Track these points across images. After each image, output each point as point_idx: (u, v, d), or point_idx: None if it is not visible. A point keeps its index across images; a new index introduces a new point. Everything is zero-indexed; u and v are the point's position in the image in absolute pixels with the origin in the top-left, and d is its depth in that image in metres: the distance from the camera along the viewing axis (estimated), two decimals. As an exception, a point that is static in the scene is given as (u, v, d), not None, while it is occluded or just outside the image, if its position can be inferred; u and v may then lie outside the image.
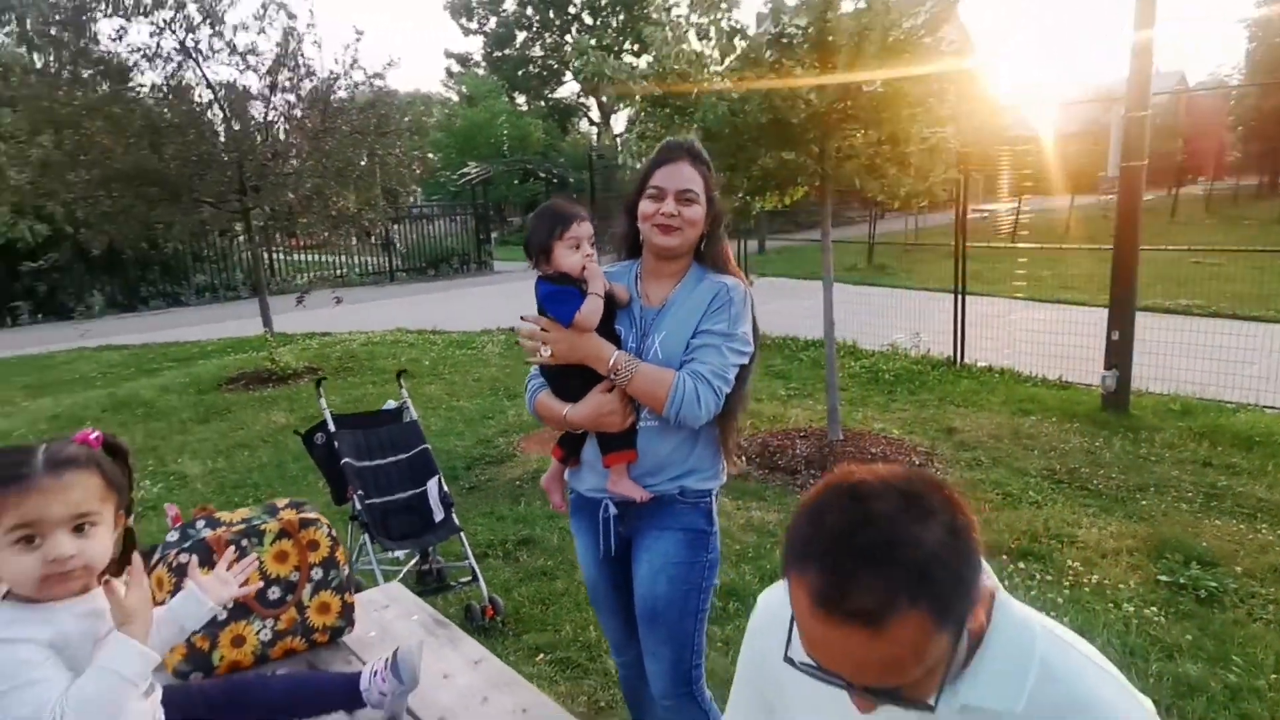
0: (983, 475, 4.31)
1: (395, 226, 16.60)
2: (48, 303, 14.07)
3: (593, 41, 4.68)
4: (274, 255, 15.91)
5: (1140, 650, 2.58)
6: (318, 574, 1.47)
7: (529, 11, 33.42)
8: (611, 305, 1.74)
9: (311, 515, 1.49)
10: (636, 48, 27.12)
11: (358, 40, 7.84)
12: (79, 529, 1.04)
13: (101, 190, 7.03)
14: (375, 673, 1.25)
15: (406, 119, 8.38)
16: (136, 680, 1.01)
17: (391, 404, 3.48)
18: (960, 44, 4.20)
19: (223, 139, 7.47)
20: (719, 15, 4.08)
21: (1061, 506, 3.83)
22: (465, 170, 19.74)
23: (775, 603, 1.01)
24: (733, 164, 4.15)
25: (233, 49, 7.38)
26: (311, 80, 7.62)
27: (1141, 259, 4.74)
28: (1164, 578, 3.03)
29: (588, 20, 33.51)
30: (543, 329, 1.68)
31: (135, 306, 14.66)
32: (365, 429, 3.27)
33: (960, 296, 6.79)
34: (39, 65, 14.53)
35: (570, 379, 1.70)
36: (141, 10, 6.96)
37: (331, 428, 3.16)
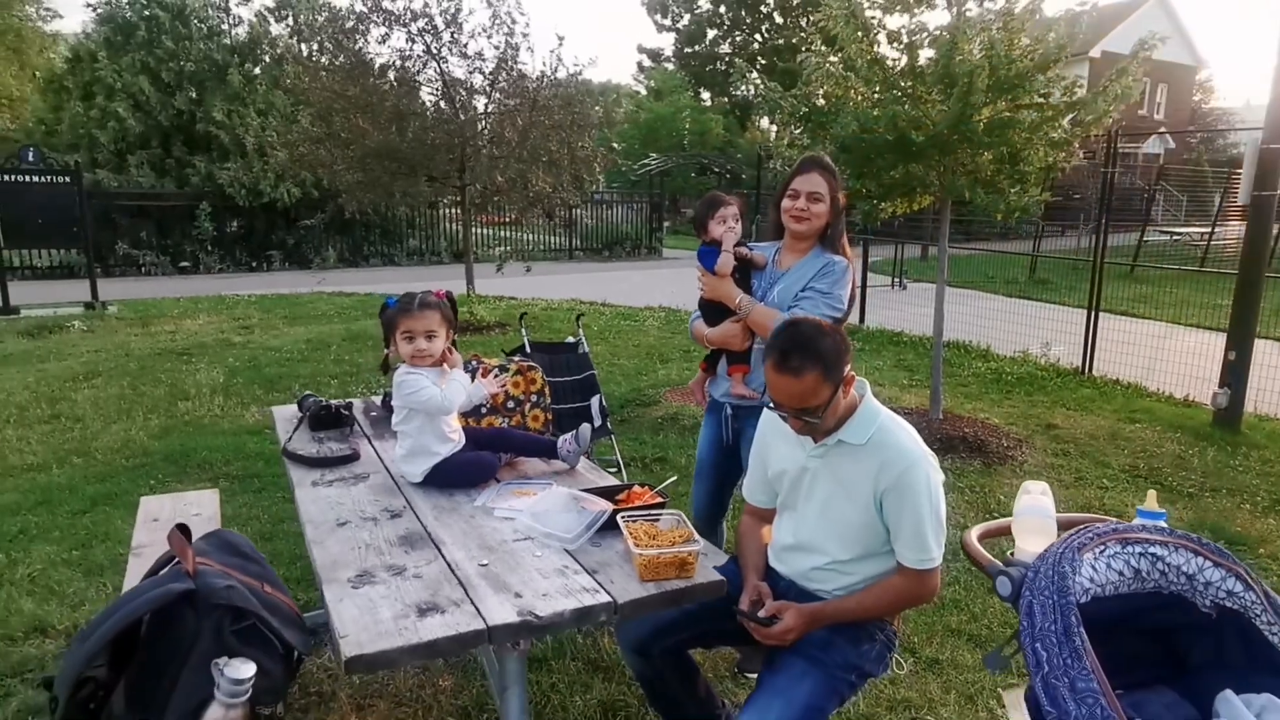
0: (1065, 463, 4.85)
1: (577, 210, 18.30)
2: (293, 253, 16.87)
3: (748, 66, 5.57)
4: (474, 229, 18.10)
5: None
6: (534, 398, 2.57)
7: (721, 10, 34.49)
8: (749, 266, 2.54)
9: (532, 364, 2.59)
10: (824, 46, 27.47)
11: (560, 45, 9.24)
12: (429, 336, 2.17)
13: (358, 164, 8.82)
14: (565, 439, 2.31)
15: (597, 108, 9.59)
16: (466, 385, 2.19)
17: (571, 339, 4.62)
18: (1148, 45, 4.49)
19: (450, 127, 9.05)
20: (865, 47, 4.87)
21: (1125, 492, 4.34)
22: (646, 161, 21.14)
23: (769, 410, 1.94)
24: (863, 172, 4.93)
25: (464, 54, 8.96)
26: (524, 81, 9.07)
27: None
28: (1181, 542, 3.56)
29: (778, 20, 34.07)
30: (700, 276, 2.57)
31: (358, 262, 17.26)
32: (551, 354, 4.43)
33: (1094, 312, 7.08)
34: (305, 54, 17.45)
35: (714, 312, 2.55)
36: (403, 23, 8.65)
37: (528, 349, 4.35)
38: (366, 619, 1.43)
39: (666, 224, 22.02)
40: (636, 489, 1.96)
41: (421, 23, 8.72)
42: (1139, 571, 1.30)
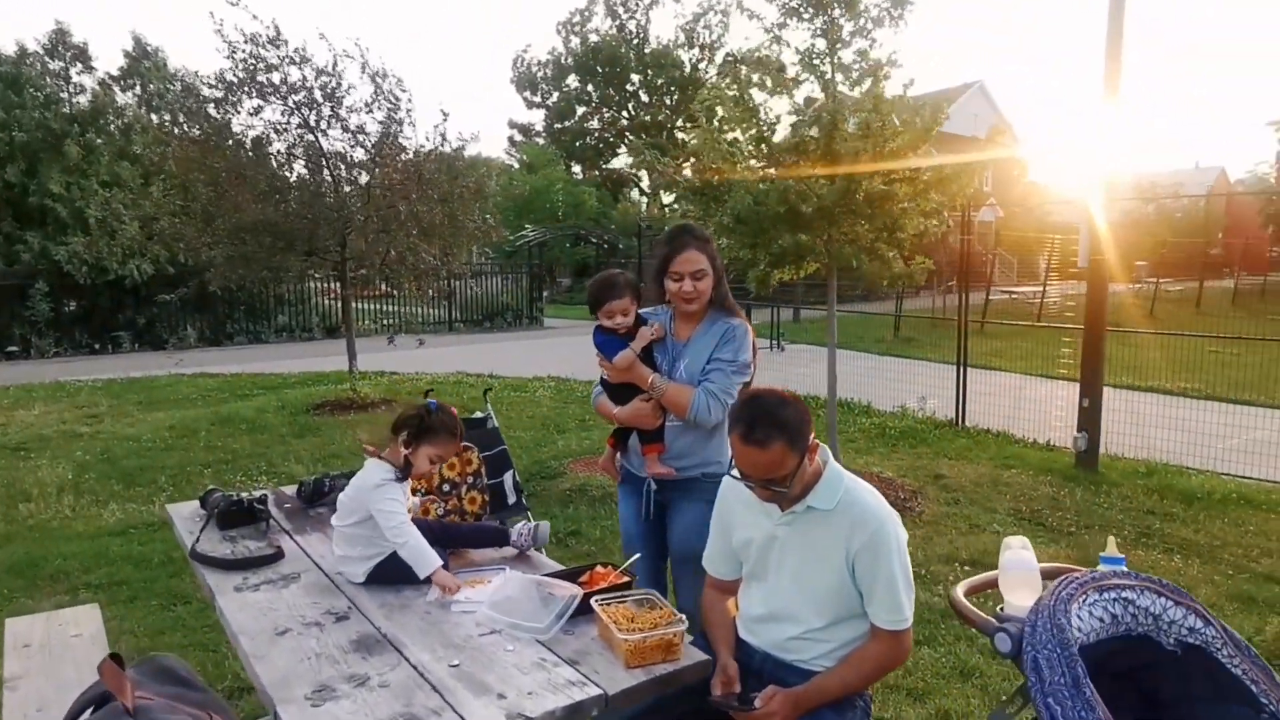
0: (958, 511, 5.12)
1: (457, 281, 18.05)
2: (145, 333, 15.60)
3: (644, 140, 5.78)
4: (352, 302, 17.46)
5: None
6: (470, 479, 2.45)
7: (589, 88, 35.81)
8: (651, 343, 2.39)
9: (469, 446, 2.48)
10: (688, 126, 29.01)
11: (445, 120, 9.23)
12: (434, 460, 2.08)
13: (228, 238, 8.34)
14: (521, 533, 2.19)
15: (471, 181, 9.51)
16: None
17: (479, 414, 4.48)
18: (997, 132, 5.14)
19: (330, 200, 8.76)
20: (750, 125, 5.16)
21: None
22: (523, 233, 21.27)
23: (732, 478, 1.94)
24: (755, 242, 5.16)
25: (345, 128, 8.76)
26: (407, 154, 8.95)
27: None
28: (1075, 579, 3.83)
29: (644, 99, 35.71)
30: (600, 361, 2.43)
31: (221, 341, 16.18)
32: (461, 430, 4.27)
33: (962, 367, 7.65)
34: (156, 123, 16.50)
35: (623, 391, 2.41)
36: (280, 95, 8.39)
37: (436, 427, 4.17)
38: (336, 742, 1.28)
39: (546, 293, 22.11)
40: (599, 569, 1.89)
41: (300, 95, 8.49)
42: (1115, 616, 1.37)
